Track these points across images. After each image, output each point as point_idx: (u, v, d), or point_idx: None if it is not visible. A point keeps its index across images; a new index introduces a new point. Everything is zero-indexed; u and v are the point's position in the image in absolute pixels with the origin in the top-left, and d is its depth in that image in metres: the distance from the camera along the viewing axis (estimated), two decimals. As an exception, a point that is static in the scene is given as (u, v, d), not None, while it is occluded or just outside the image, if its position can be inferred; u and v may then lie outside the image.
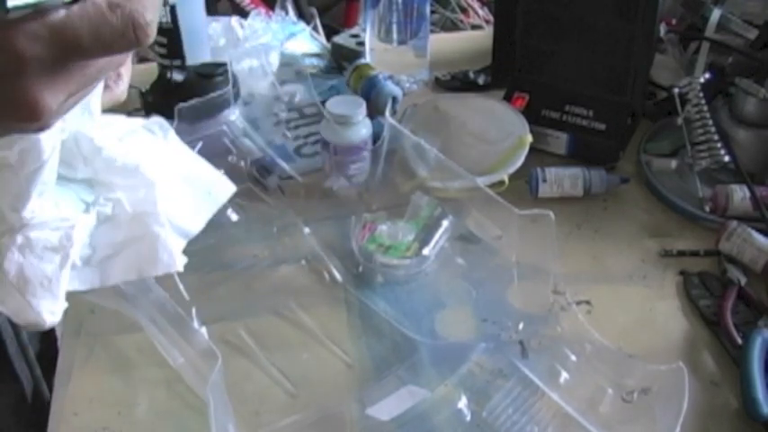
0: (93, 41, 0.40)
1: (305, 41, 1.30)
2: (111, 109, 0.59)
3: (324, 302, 0.85)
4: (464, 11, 2.11)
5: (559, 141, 1.05)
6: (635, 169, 1.04)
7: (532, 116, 1.05)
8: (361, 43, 1.22)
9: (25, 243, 0.58)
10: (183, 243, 0.68)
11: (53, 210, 0.59)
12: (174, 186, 0.67)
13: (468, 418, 0.72)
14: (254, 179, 0.99)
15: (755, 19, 1.06)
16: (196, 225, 0.69)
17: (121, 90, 0.55)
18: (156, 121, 0.66)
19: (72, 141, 0.60)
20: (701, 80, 0.99)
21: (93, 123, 0.60)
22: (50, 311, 0.60)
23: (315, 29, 1.38)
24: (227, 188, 0.72)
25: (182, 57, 1.05)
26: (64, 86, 0.45)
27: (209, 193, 0.71)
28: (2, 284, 0.59)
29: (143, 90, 0.98)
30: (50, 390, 0.76)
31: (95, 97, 0.57)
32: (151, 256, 0.65)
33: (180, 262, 0.65)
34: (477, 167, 0.96)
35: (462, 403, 0.73)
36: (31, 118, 0.45)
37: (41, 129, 0.48)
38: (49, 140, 0.55)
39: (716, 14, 1.07)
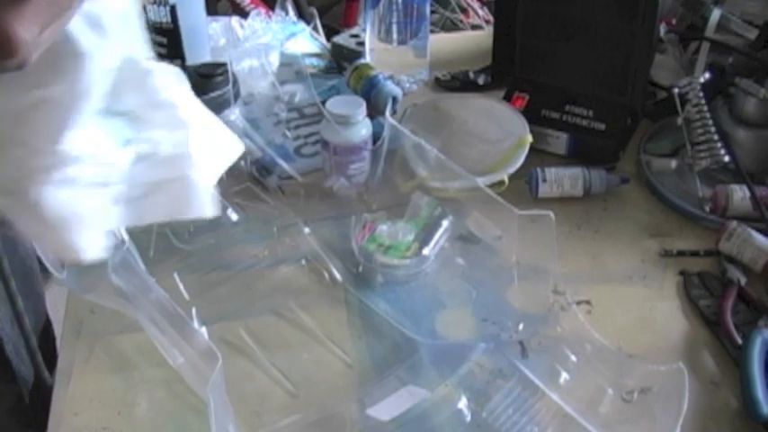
0: None
1: (305, 41, 1.30)
2: None
3: (324, 302, 0.85)
4: (464, 11, 2.11)
5: (559, 141, 1.05)
6: (635, 169, 1.04)
7: (532, 116, 1.05)
8: (361, 43, 1.22)
9: (64, 179, 0.58)
10: (209, 192, 0.68)
11: (93, 145, 0.58)
12: (202, 134, 0.67)
13: (468, 418, 0.72)
14: (254, 179, 1.00)
15: (755, 19, 1.06)
16: (213, 179, 0.69)
17: None
18: (174, 69, 0.66)
19: (122, 66, 0.59)
20: (701, 80, 0.99)
21: (142, 49, 0.60)
22: (89, 247, 0.61)
23: (315, 29, 1.38)
24: (238, 146, 0.72)
25: (182, 57, 1.05)
26: (36, 17, 0.43)
27: (224, 149, 0.72)
28: (39, 221, 0.59)
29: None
30: (49, 390, 0.76)
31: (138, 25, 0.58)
32: (184, 199, 0.66)
33: (211, 209, 0.66)
34: (477, 167, 0.96)
35: (462, 403, 0.73)
36: (6, 53, 0.43)
37: (21, 65, 0.46)
38: (95, 73, 0.56)
39: (716, 14, 1.07)
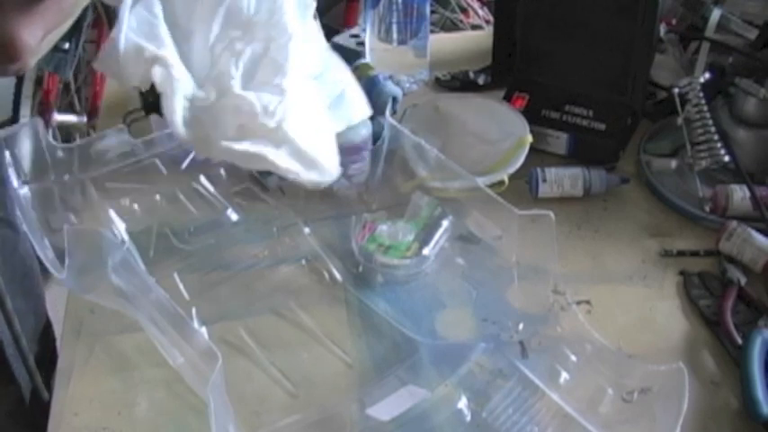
0: None
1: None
2: None
3: (324, 302, 0.85)
4: (464, 11, 2.11)
5: (559, 141, 1.05)
6: (635, 169, 1.04)
7: (532, 116, 1.04)
8: (361, 43, 1.22)
9: (298, 115, 0.76)
10: None
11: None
12: None
13: (468, 418, 0.72)
14: (254, 179, 0.99)
15: (755, 19, 1.06)
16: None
17: None
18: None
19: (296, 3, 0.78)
20: (701, 80, 0.99)
21: None
22: (334, 167, 0.81)
23: (315, 29, 1.38)
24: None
25: (182, 57, 1.05)
26: (41, 22, 0.44)
27: None
28: (296, 152, 0.75)
29: (143, 90, 0.98)
30: (49, 392, 0.76)
31: None
32: (347, 106, 0.84)
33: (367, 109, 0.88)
34: (477, 167, 0.96)
35: (462, 403, 0.73)
36: (9, 58, 0.44)
37: (21, 69, 0.47)
38: (290, 12, 0.77)
39: (716, 14, 1.07)
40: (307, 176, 0.74)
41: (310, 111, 0.76)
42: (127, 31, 0.68)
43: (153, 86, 0.99)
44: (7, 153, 0.88)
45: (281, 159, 0.72)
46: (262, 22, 0.72)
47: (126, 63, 0.70)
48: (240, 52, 0.72)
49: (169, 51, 0.71)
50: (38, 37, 0.44)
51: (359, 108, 0.82)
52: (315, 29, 0.79)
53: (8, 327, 0.86)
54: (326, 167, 0.74)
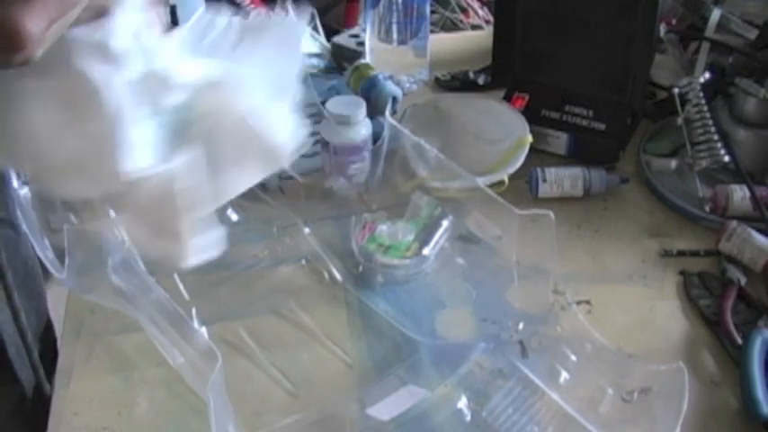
0: None
1: (305, 41, 1.30)
2: None
3: (324, 302, 0.85)
4: (464, 11, 2.11)
5: (559, 141, 1.05)
6: (635, 169, 1.04)
7: (532, 116, 1.05)
8: (361, 43, 1.22)
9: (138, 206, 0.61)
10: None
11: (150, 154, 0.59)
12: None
13: (468, 418, 0.72)
14: (254, 179, 0.99)
15: (755, 19, 1.06)
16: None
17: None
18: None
19: (144, 78, 0.59)
20: (701, 80, 0.99)
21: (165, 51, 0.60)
22: (191, 243, 0.66)
23: (315, 29, 1.38)
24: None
25: (182, 57, 1.05)
26: (44, 12, 0.43)
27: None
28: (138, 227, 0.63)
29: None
30: (51, 391, 0.76)
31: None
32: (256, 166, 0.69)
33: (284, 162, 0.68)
34: (477, 167, 0.96)
35: (462, 403, 0.73)
36: (14, 47, 0.43)
37: (26, 60, 0.46)
38: (117, 98, 0.56)
39: (716, 14, 1.07)
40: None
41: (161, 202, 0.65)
42: None
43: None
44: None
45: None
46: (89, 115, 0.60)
47: None
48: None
49: None
50: (42, 26, 0.44)
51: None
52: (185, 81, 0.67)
53: (13, 325, 0.86)
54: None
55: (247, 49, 0.66)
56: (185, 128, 0.62)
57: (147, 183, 0.59)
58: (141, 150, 0.58)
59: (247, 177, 0.68)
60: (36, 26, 0.43)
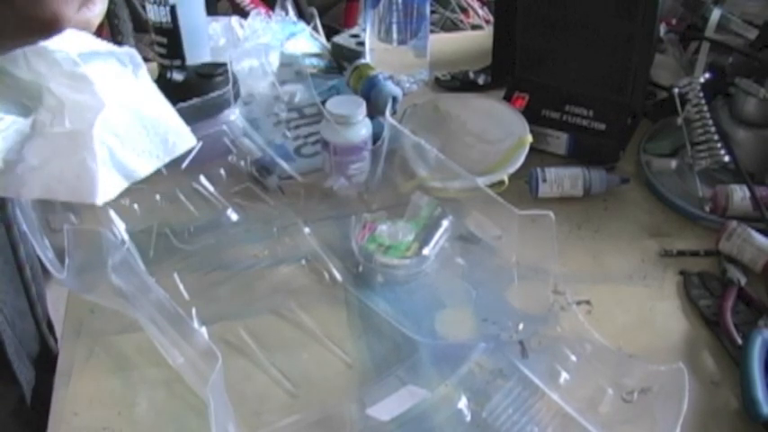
0: None
1: (305, 41, 1.30)
2: None
3: (324, 302, 0.85)
4: (464, 11, 2.11)
5: (559, 141, 1.05)
6: (635, 169, 1.04)
7: (532, 116, 1.05)
8: (361, 43, 1.22)
9: None
10: (119, 180, 0.64)
11: None
12: (127, 119, 0.64)
13: (468, 418, 0.72)
14: (254, 179, 0.99)
15: (755, 19, 1.06)
16: (143, 168, 0.65)
17: (94, 14, 0.53)
18: (128, 52, 0.64)
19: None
20: (701, 80, 0.99)
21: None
22: None
23: (315, 29, 1.38)
24: (188, 140, 0.68)
25: (182, 57, 1.05)
26: None
27: (167, 141, 0.68)
28: None
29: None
30: (50, 391, 0.76)
31: None
32: (73, 180, 0.62)
33: (103, 196, 0.62)
34: (477, 167, 0.96)
35: (462, 403, 0.73)
36: (50, 31, 0.46)
37: (54, 37, 0.49)
38: None
39: (716, 14, 1.07)
40: None
41: None
42: None
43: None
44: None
45: None
46: None
47: None
48: None
49: None
50: (75, 8, 0.47)
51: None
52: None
53: (12, 327, 0.86)
54: None
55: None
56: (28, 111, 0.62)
57: None
58: None
59: (42, 190, 0.63)
60: (71, 10, 0.46)
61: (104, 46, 0.64)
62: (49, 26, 0.46)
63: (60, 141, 0.61)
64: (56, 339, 1.00)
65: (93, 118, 0.62)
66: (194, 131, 0.91)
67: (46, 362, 0.94)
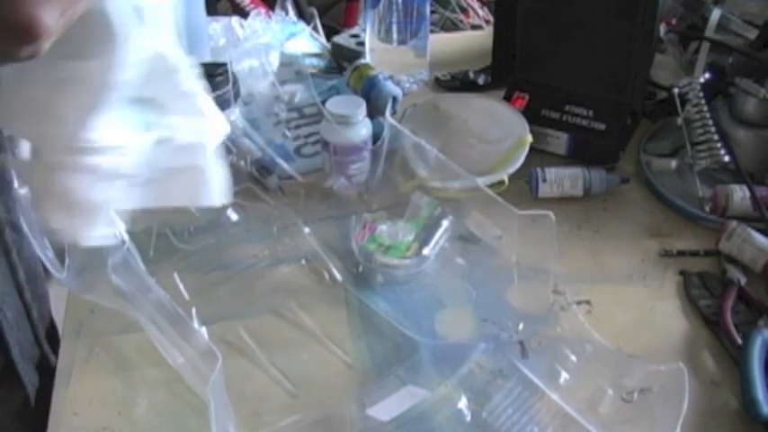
0: None
1: (305, 41, 1.30)
2: None
3: (324, 302, 0.85)
4: (464, 11, 2.11)
5: (559, 141, 1.05)
6: (635, 169, 1.04)
7: (532, 116, 1.05)
8: (361, 43, 1.22)
9: (83, 167, 0.62)
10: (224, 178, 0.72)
11: (115, 135, 0.62)
12: (215, 125, 0.71)
13: (468, 418, 0.72)
14: (254, 179, 0.99)
15: (755, 19, 1.06)
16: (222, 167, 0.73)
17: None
18: (193, 62, 0.68)
19: (153, 58, 0.63)
20: (701, 80, 0.99)
21: (172, 44, 0.64)
22: (92, 234, 0.66)
23: (315, 29, 1.38)
24: (225, 128, 0.73)
25: (182, 57, 1.05)
26: (58, 3, 0.43)
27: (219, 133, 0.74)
28: (53, 199, 0.64)
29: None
30: (51, 393, 0.76)
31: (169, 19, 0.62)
32: (197, 187, 0.71)
33: (221, 199, 0.72)
34: (477, 167, 0.96)
35: (462, 403, 0.73)
36: (27, 39, 0.43)
37: (34, 54, 0.46)
38: (127, 56, 0.59)
39: (716, 14, 1.07)
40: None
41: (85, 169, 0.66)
42: None
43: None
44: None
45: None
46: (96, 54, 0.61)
47: None
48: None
49: None
50: (56, 17, 0.44)
51: (211, 194, 0.73)
52: (192, 92, 0.69)
53: (17, 328, 0.86)
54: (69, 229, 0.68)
55: None
56: (149, 126, 0.65)
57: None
58: (106, 124, 0.60)
59: (171, 199, 0.72)
60: (51, 18, 0.43)
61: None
62: (26, 34, 0.43)
63: (180, 153, 0.67)
64: (56, 343, 1.00)
65: (203, 128, 0.69)
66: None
67: (46, 366, 0.93)
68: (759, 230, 0.88)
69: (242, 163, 1.01)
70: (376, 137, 0.99)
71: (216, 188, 0.72)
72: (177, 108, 0.66)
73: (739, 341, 0.78)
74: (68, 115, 0.59)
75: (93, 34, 0.56)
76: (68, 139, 0.60)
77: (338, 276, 0.87)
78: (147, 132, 0.65)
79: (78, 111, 0.59)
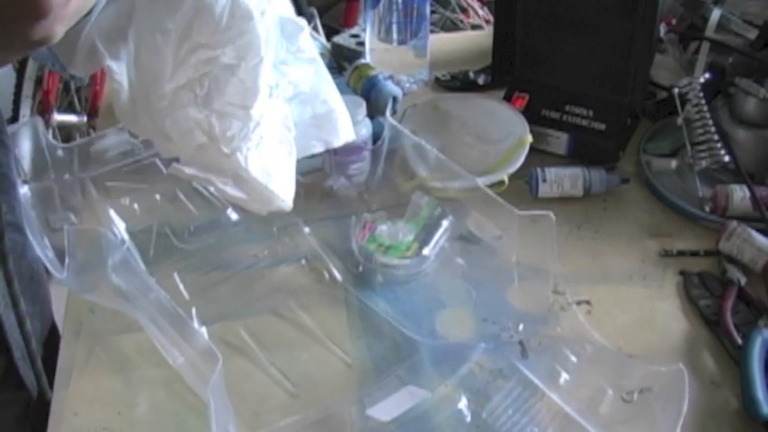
0: None
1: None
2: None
3: (324, 302, 0.85)
4: (464, 11, 2.11)
5: (559, 141, 1.05)
6: (635, 169, 1.04)
7: (532, 116, 1.05)
8: (361, 43, 1.22)
9: (260, 141, 0.71)
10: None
11: (262, 104, 0.71)
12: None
13: (469, 418, 0.72)
14: (254, 179, 0.99)
15: (755, 19, 1.06)
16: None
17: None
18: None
19: (277, 26, 0.72)
20: (701, 80, 0.99)
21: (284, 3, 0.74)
22: (288, 195, 0.75)
23: (315, 29, 1.38)
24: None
25: (182, 57, 1.05)
26: None
27: None
28: (246, 182, 0.71)
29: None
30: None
31: None
32: (332, 127, 0.79)
33: (351, 134, 0.82)
34: (477, 167, 0.96)
35: (462, 403, 0.73)
36: (35, 13, 0.44)
37: (48, 36, 0.48)
38: (263, 34, 0.68)
39: (716, 14, 1.07)
40: (253, 206, 0.75)
41: (274, 138, 0.73)
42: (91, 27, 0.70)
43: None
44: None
45: (228, 187, 0.72)
46: (233, 39, 0.68)
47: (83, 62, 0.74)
48: (206, 63, 0.69)
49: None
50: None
51: (343, 131, 0.81)
52: (308, 47, 0.77)
53: (18, 332, 0.86)
54: (279, 196, 0.74)
55: None
56: (273, 89, 0.73)
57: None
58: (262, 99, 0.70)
59: (314, 145, 0.80)
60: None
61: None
62: (35, 9, 0.44)
63: (306, 103, 0.77)
64: (57, 343, 1.00)
65: (322, 76, 0.79)
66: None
67: (51, 365, 0.93)
68: (759, 230, 0.88)
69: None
70: (376, 137, 0.99)
71: (343, 126, 0.80)
72: (295, 63, 0.74)
73: (739, 341, 0.78)
74: (234, 102, 0.68)
75: (230, 20, 0.65)
76: (239, 124, 0.69)
77: (338, 276, 0.87)
78: (274, 96, 0.72)
79: (239, 97, 0.68)
